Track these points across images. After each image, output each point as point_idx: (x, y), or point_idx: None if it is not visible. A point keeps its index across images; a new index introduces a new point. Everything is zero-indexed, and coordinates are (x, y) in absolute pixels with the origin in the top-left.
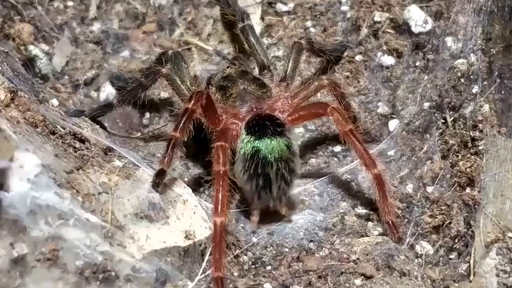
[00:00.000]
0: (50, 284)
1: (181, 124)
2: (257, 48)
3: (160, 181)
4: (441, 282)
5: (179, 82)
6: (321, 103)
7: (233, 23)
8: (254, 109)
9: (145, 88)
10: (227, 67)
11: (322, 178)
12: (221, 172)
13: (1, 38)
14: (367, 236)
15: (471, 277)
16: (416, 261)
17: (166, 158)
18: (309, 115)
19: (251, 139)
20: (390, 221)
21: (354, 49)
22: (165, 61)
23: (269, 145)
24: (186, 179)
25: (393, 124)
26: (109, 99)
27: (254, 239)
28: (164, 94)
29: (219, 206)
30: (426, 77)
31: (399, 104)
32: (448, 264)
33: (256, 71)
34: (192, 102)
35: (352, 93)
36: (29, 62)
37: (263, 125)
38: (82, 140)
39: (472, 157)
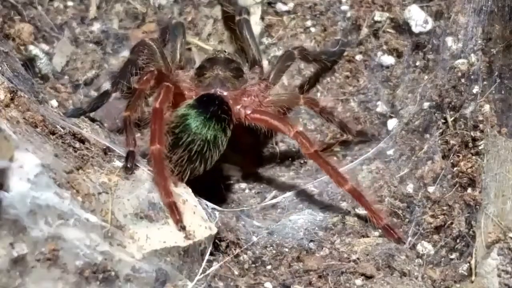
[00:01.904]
0: (50, 284)
1: (131, 103)
2: (250, 42)
3: (132, 164)
4: (442, 283)
5: (159, 54)
6: (289, 123)
7: (233, 22)
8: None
9: (133, 63)
10: (218, 50)
11: (322, 178)
12: (157, 108)
13: (1, 38)
14: (368, 236)
15: (473, 278)
16: (416, 261)
17: (128, 139)
18: (271, 125)
19: (193, 104)
20: (384, 226)
21: (354, 48)
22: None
23: (202, 119)
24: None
25: (392, 124)
26: (109, 99)
27: (254, 239)
28: None
29: (156, 136)
30: (426, 77)
31: (398, 103)
32: (449, 264)
33: (247, 66)
34: (141, 82)
35: (352, 92)
36: (29, 62)
37: (211, 102)
38: (82, 140)
39: (473, 157)
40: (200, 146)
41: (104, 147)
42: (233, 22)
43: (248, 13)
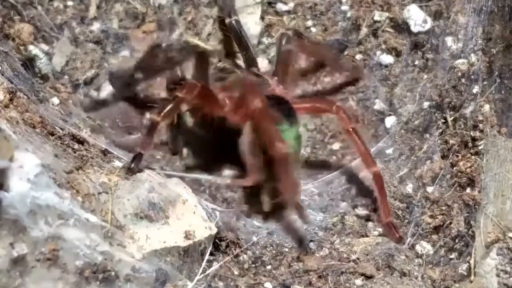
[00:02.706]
0: (50, 284)
1: (166, 110)
2: (246, 43)
3: (136, 166)
4: (441, 282)
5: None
6: (328, 101)
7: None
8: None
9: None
10: (219, 61)
11: (322, 178)
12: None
13: (1, 38)
14: (367, 236)
15: (472, 277)
16: (416, 261)
17: (145, 143)
18: (312, 109)
19: None
20: (389, 222)
21: (355, 48)
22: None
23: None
24: (186, 179)
25: (390, 121)
26: (109, 98)
27: (254, 238)
28: (164, 95)
29: (166, 111)
30: (425, 76)
31: (396, 101)
32: (448, 264)
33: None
34: (184, 91)
35: (351, 91)
36: (29, 62)
37: (278, 106)
38: (81, 142)
39: (473, 157)
40: (295, 144)
41: (103, 148)
42: (225, 25)
43: (236, 13)
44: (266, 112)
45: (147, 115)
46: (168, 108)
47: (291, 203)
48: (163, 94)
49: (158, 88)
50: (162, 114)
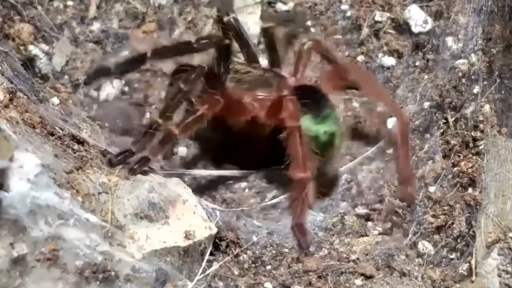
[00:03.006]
0: (50, 284)
1: (185, 123)
2: (246, 40)
3: (139, 168)
4: (441, 283)
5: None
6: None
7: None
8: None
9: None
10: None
11: None
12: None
13: (1, 38)
14: (367, 236)
15: (473, 278)
16: (416, 261)
17: (156, 150)
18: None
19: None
20: (410, 174)
21: (356, 48)
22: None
23: (322, 112)
24: (186, 179)
25: (391, 122)
26: (109, 99)
27: (254, 238)
28: (164, 94)
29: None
30: (426, 76)
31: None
32: (449, 264)
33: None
34: (206, 107)
35: (356, 93)
36: (29, 62)
37: (308, 96)
38: (81, 142)
39: (474, 157)
40: (339, 131)
41: (103, 149)
42: (223, 24)
43: (233, 10)
44: (301, 132)
45: (148, 115)
46: (187, 121)
47: (296, 223)
48: (164, 93)
49: (158, 87)
50: (181, 127)
